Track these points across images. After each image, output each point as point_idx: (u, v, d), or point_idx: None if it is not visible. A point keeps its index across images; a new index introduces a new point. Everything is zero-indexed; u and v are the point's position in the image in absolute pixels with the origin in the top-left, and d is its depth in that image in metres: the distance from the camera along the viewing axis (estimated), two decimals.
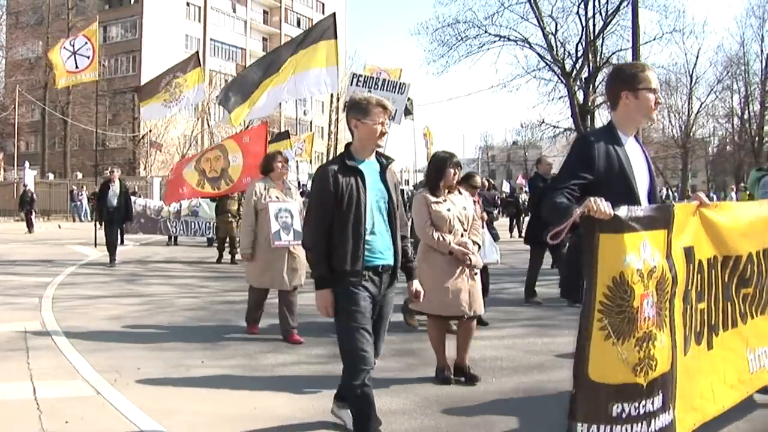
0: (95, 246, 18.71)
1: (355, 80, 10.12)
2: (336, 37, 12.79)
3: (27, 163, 40.57)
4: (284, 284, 7.40)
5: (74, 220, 36.45)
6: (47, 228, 30.72)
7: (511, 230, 26.66)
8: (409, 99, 27.93)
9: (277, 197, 7.47)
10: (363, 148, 4.18)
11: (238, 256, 15.20)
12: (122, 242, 18.88)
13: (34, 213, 29.35)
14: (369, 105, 4.12)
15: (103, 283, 12.21)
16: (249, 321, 7.96)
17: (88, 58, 19.06)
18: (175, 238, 21.27)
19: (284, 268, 7.36)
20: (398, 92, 9.70)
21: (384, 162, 4.28)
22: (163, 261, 16.53)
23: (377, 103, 4.13)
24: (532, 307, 9.86)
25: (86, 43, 19.19)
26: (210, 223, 19.02)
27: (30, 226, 28.30)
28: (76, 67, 18.92)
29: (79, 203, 37.02)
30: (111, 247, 15.10)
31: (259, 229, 7.36)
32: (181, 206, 19.43)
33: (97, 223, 19.18)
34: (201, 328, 8.18)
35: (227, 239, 16.25)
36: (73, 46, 19.17)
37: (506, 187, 44.06)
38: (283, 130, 26.00)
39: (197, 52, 19.87)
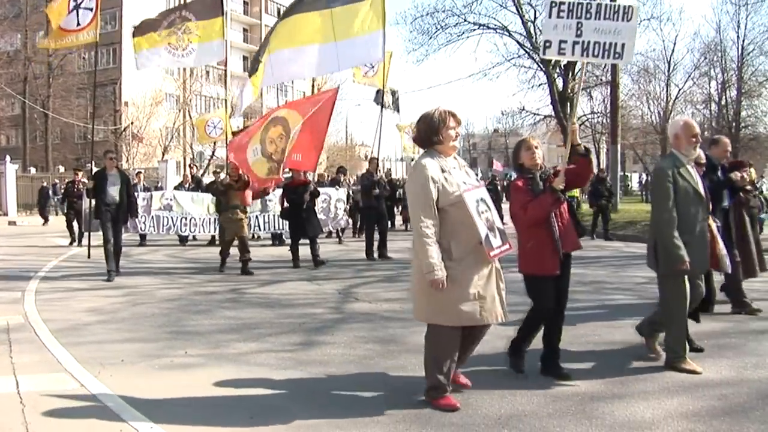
0: (76, 243, 18.44)
1: (555, 9, 6.36)
2: None
3: (8, 157, 40.21)
4: (501, 315, 5.02)
5: (56, 214, 36.30)
6: (29, 222, 30.56)
7: None
8: (394, 91, 27.91)
9: (465, 182, 4.88)
10: None
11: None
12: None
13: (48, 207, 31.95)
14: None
15: (86, 275, 12.19)
16: (441, 387, 4.92)
17: (91, 10, 15.15)
18: (143, 236, 18.34)
19: (497, 290, 5.05)
20: (623, 19, 6.29)
21: None
22: (145, 253, 16.47)
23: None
24: (511, 294, 9.90)
25: None
26: (186, 219, 17.82)
27: (44, 218, 30.63)
28: (78, 24, 14.88)
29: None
30: (112, 254, 11.71)
31: (450, 235, 4.79)
32: (151, 199, 17.78)
33: (70, 218, 18.94)
34: (183, 319, 8.20)
35: (233, 241, 13.01)
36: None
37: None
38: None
39: None
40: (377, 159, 15.55)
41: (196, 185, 20.17)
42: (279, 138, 12.06)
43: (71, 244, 18.53)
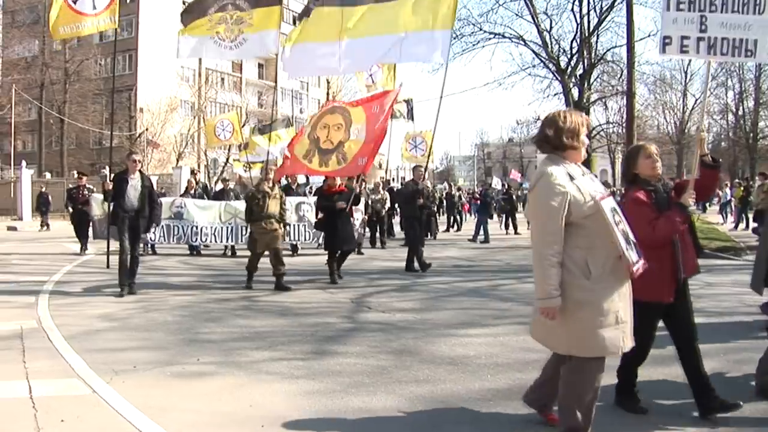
0: (87, 250, 17.77)
1: (674, 1, 5.60)
2: None
3: (24, 162, 40.51)
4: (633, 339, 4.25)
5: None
6: (42, 227, 30.72)
7: (506, 227, 26.70)
8: (408, 100, 27.84)
9: (596, 190, 4.16)
10: None
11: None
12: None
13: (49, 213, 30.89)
14: None
15: (99, 281, 12.20)
16: (580, 429, 4.24)
17: None
18: (152, 246, 17.58)
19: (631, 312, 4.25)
20: (754, 11, 5.46)
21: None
22: (158, 259, 16.50)
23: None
24: (526, 305, 9.86)
25: None
26: (197, 228, 16.95)
27: (46, 225, 29.83)
28: (94, 7, 13.66)
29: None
30: (127, 267, 10.72)
31: (586, 251, 4.07)
32: (161, 207, 16.93)
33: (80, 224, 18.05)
34: (196, 327, 8.18)
35: (263, 254, 11.75)
36: None
37: (497, 184, 43.93)
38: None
39: None
40: (422, 167, 14.92)
41: (203, 191, 19.89)
42: (335, 127, 11.54)
43: (82, 250, 17.71)
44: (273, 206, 11.53)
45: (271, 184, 11.71)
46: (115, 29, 14.52)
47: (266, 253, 11.60)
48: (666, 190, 4.94)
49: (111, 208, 11.38)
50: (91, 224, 17.74)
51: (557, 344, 4.29)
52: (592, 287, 4.02)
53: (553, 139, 4.22)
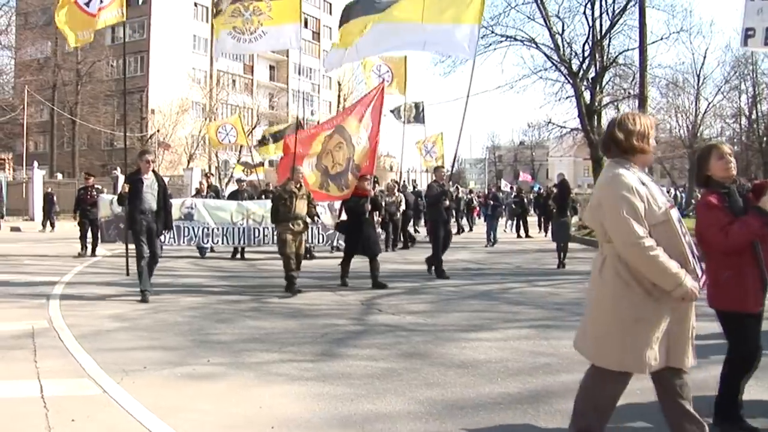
0: (89, 253, 17.26)
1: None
2: None
3: (36, 163, 40.71)
4: (693, 357, 3.95)
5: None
6: (56, 227, 30.83)
7: (517, 229, 26.67)
8: (418, 103, 27.79)
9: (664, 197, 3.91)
10: None
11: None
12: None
13: (54, 213, 30.61)
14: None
15: (110, 282, 12.23)
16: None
17: None
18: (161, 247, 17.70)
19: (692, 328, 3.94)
20: None
21: None
22: (168, 260, 16.48)
23: None
24: (537, 309, 9.83)
25: None
26: (208, 229, 16.56)
27: (51, 225, 29.76)
28: (101, 1, 12.83)
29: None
30: (147, 273, 10.35)
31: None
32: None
33: (84, 228, 17.38)
34: (206, 328, 8.19)
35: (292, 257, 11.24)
36: None
37: (506, 187, 43.86)
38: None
39: None
40: (443, 167, 14.60)
41: (215, 194, 19.50)
42: (336, 147, 11.40)
43: (80, 255, 17.02)
44: (300, 206, 11.20)
45: (298, 185, 11.29)
46: (124, 24, 14.04)
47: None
48: (742, 192, 4.59)
49: (128, 211, 10.65)
50: (98, 226, 17.24)
51: (605, 358, 3.97)
52: (650, 301, 3.77)
53: (622, 142, 3.96)
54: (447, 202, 13.34)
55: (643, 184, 3.82)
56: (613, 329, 3.84)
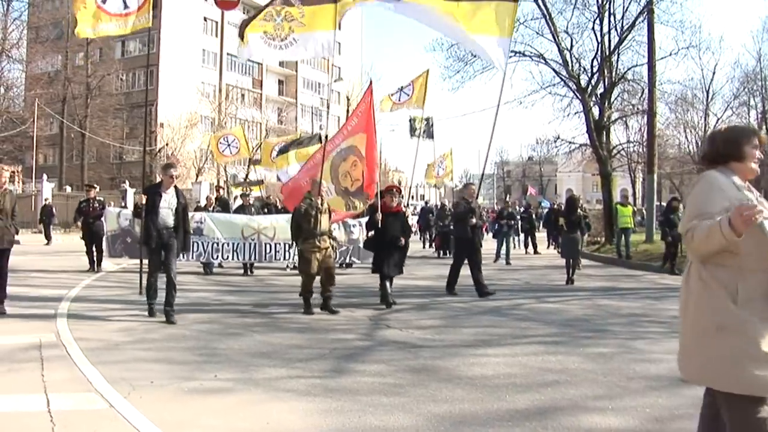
0: (94, 269, 16.64)
1: None
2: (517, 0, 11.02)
3: (45, 176, 40.91)
4: None
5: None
6: (63, 240, 30.88)
7: (525, 246, 26.60)
8: (428, 118, 27.80)
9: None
10: None
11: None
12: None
13: (52, 225, 30.40)
14: None
15: (118, 295, 12.24)
16: None
17: None
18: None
19: None
20: None
21: None
22: (177, 275, 16.41)
23: None
24: (545, 325, 9.79)
25: None
26: (218, 244, 16.04)
27: (48, 237, 29.42)
28: (126, 6, 12.41)
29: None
30: (155, 290, 9.92)
31: (738, 271, 3.48)
32: None
33: (87, 243, 16.78)
34: (214, 342, 8.17)
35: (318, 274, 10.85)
36: None
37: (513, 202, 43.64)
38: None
39: None
40: (473, 184, 14.22)
41: (223, 208, 19.13)
42: (353, 166, 11.26)
43: (90, 270, 16.50)
44: (325, 222, 10.82)
45: (320, 200, 10.93)
46: (149, 30, 13.64)
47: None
48: None
49: (142, 225, 10.17)
50: (103, 240, 16.73)
51: (690, 372, 3.65)
52: (738, 313, 3.40)
53: (717, 151, 3.79)
54: (474, 220, 12.93)
55: (740, 189, 3.59)
56: (704, 341, 3.51)
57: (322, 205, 10.89)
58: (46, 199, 33.28)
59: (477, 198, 13.53)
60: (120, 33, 12.90)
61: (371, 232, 11.99)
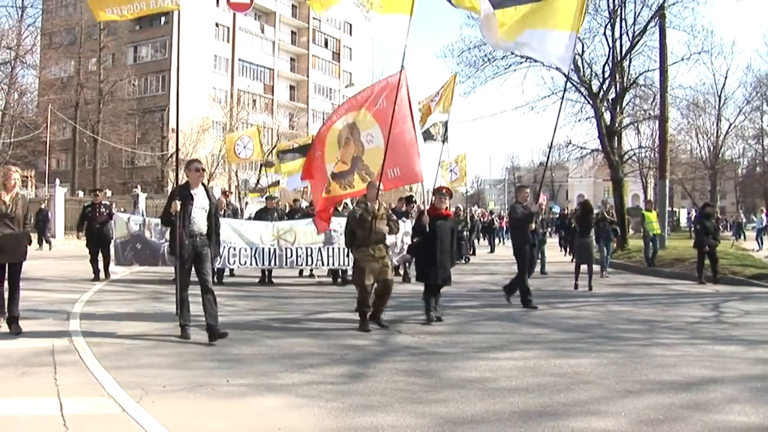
0: (102, 279, 15.76)
1: None
2: None
3: (58, 181, 41.13)
4: None
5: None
6: (76, 245, 31.00)
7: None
8: (445, 122, 27.80)
9: None
10: None
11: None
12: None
13: (48, 231, 30.53)
14: None
15: (130, 300, 12.27)
16: None
17: None
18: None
19: None
20: None
21: None
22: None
23: None
24: (557, 331, 9.75)
25: None
26: (235, 249, 15.11)
27: (47, 242, 29.52)
28: None
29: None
30: (188, 304, 8.87)
31: None
32: None
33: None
34: (227, 347, 8.17)
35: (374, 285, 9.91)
36: None
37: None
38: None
39: None
40: (527, 187, 13.58)
41: (233, 214, 18.44)
42: (345, 143, 10.30)
43: (95, 279, 15.64)
44: (381, 228, 9.92)
45: (377, 205, 10.02)
46: (177, 29, 13.43)
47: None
48: None
49: (172, 232, 8.79)
50: (111, 246, 16.05)
51: None
52: None
53: None
54: (533, 225, 12.44)
55: None
56: None
57: (378, 210, 10.00)
58: (41, 203, 32.92)
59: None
60: (144, 13, 11.89)
61: (416, 238, 10.98)
